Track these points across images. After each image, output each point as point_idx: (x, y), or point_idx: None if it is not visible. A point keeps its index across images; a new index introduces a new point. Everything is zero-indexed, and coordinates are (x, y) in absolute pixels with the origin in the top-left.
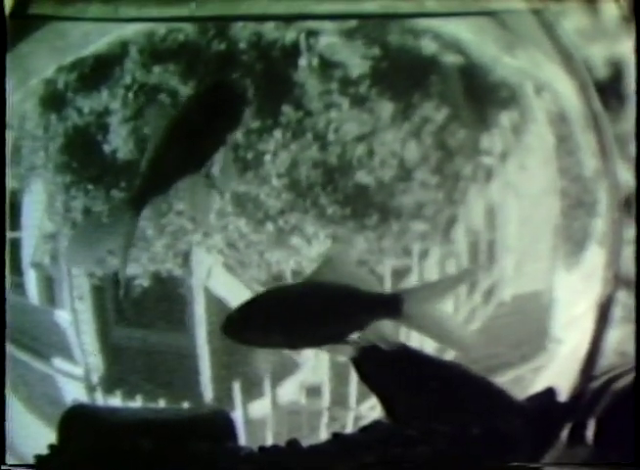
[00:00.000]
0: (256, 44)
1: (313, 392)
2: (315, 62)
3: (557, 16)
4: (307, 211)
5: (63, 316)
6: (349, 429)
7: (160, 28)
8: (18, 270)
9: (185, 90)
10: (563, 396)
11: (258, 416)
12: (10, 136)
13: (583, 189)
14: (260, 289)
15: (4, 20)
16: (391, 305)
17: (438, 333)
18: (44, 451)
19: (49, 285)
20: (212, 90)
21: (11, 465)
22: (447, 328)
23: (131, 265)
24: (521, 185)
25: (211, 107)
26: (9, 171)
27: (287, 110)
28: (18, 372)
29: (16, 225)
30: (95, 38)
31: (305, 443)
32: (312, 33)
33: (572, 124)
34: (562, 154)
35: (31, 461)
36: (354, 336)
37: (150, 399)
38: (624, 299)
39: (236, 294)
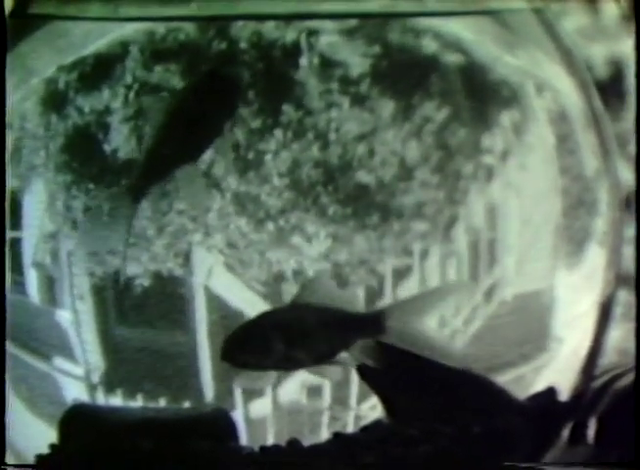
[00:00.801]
0: (257, 44)
1: (314, 391)
2: (316, 61)
3: (557, 15)
4: (308, 210)
5: (63, 316)
6: (350, 429)
7: (161, 28)
8: (18, 270)
9: None
10: (564, 395)
11: (259, 416)
12: (11, 136)
13: (584, 188)
14: (261, 288)
15: (4, 19)
16: (373, 323)
17: (423, 348)
18: (45, 451)
19: (50, 285)
20: (207, 79)
21: (11, 465)
22: (432, 343)
23: (132, 265)
24: (521, 184)
25: (206, 95)
26: (9, 171)
27: (287, 109)
28: (18, 372)
29: (16, 225)
30: (96, 38)
31: (306, 442)
32: (313, 33)
33: (573, 123)
34: (562, 153)
35: (32, 461)
36: (341, 356)
37: (150, 399)
38: (625, 298)
39: (236, 293)
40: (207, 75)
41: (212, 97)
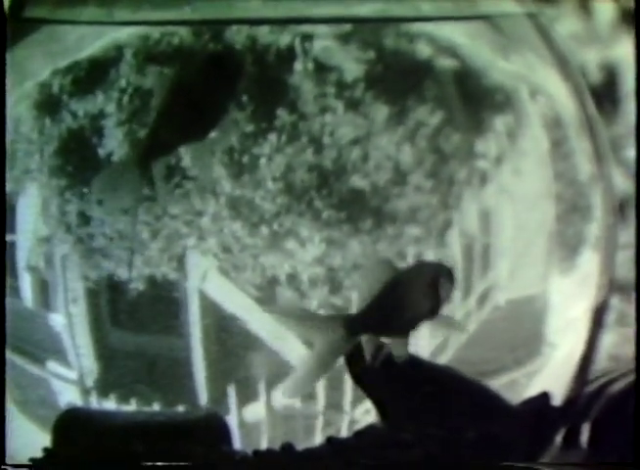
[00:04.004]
0: (251, 48)
1: (308, 395)
2: (310, 65)
3: (551, 20)
4: (302, 214)
5: (57, 320)
6: (344, 433)
7: (155, 32)
8: (12, 274)
9: None
10: (557, 400)
11: (253, 420)
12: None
13: (578, 193)
14: (255, 292)
15: (4, 20)
16: None
17: None
18: (39, 455)
19: (44, 288)
20: (211, 59)
21: (11, 465)
22: None
23: (126, 269)
24: (515, 189)
25: (210, 75)
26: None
27: (282, 113)
28: (13, 376)
29: (11, 229)
30: (90, 41)
31: (300, 446)
32: (307, 37)
33: (567, 128)
34: (556, 158)
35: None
36: None
37: (144, 403)
38: (618, 303)
39: (230, 297)
40: (211, 56)
41: (216, 78)
